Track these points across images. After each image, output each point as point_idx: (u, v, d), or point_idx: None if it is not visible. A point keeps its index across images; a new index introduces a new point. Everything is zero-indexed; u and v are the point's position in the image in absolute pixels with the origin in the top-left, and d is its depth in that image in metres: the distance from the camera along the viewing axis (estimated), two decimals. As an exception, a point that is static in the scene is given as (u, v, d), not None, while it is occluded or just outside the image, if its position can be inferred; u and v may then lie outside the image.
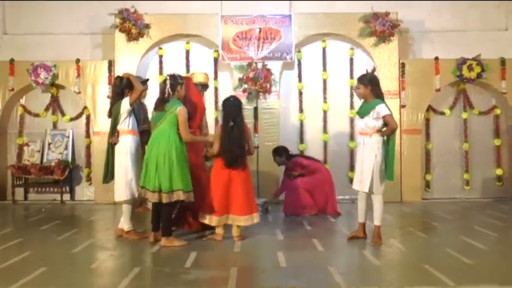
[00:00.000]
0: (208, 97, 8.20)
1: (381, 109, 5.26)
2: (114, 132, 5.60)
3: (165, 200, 5.10)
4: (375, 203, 5.37)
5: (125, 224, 5.70)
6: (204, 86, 6.23)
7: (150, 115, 5.93)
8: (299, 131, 8.77)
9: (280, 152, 7.48)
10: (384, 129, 5.34)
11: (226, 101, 5.55)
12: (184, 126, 5.19)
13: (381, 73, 8.37)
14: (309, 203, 7.20)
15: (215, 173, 5.51)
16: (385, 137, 5.32)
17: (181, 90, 5.33)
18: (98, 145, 8.31)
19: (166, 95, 5.23)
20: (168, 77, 5.30)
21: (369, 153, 5.27)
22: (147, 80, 6.11)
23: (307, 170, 7.31)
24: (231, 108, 5.48)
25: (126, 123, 5.56)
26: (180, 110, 5.18)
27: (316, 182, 7.28)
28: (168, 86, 5.23)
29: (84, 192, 8.86)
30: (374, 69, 5.75)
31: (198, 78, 6.17)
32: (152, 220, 5.46)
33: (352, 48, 8.81)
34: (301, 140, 8.73)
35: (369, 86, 5.35)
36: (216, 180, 5.48)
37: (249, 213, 5.49)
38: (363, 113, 5.37)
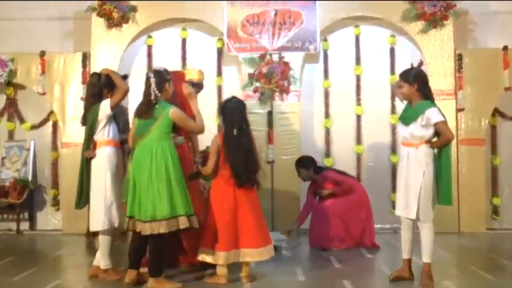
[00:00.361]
0: (210, 98, 8.24)
1: (431, 114, 5.26)
2: (89, 143, 5.64)
3: (163, 230, 5.08)
4: (424, 233, 5.35)
5: (101, 260, 5.70)
6: (197, 86, 6.23)
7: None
8: (324, 141, 8.79)
9: (306, 164, 7.43)
10: (435, 139, 5.35)
11: (228, 104, 5.59)
12: (189, 121, 5.30)
13: (431, 68, 8.34)
14: (341, 233, 7.18)
15: (217, 195, 5.51)
16: (435, 149, 5.34)
17: (170, 88, 5.35)
18: (68, 160, 8.33)
19: (152, 98, 5.22)
20: (151, 74, 5.29)
21: (415, 170, 5.27)
22: (126, 76, 6.11)
23: (340, 189, 7.27)
24: (235, 112, 5.52)
25: (105, 132, 5.61)
26: (174, 111, 5.21)
27: (351, 205, 7.26)
28: (153, 85, 5.22)
29: (49, 220, 8.90)
30: (421, 63, 5.71)
31: (190, 75, 6.22)
32: (130, 254, 5.40)
33: (393, 36, 8.81)
34: (328, 153, 8.75)
35: (415, 85, 5.35)
36: (220, 205, 5.47)
37: (264, 244, 5.49)
38: (407, 118, 5.38)
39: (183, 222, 5.09)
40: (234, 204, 5.43)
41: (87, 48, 8.63)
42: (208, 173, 5.53)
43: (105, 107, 5.53)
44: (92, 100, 5.67)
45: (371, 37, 8.85)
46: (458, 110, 8.43)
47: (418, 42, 8.52)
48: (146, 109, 5.22)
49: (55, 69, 8.65)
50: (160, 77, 5.26)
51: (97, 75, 5.75)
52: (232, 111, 5.51)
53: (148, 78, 5.26)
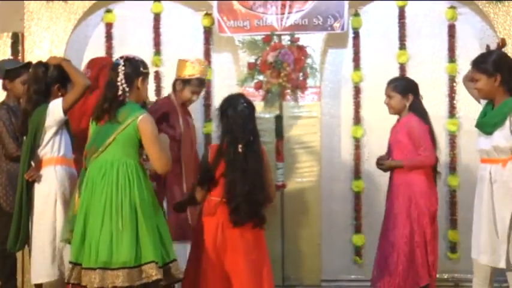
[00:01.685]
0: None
1: None
2: (30, 160, 5.49)
3: (120, 283, 4.79)
4: None
5: None
6: (202, 84, 6.58)
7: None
8: (353, 156, 8.07)
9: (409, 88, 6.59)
10: None
11: (231, 104, 5.30)
12: (156, 145, 4.97)
13: (509, 51, 7.31)
14: None
15: (200, 229, 5.30)
16: None
17: (142, 87, 5.08)
18: None
19: (119, 94, 4.92)
20: (121, 61, 5.02)
21: (502, 198, 5.04)
22: (27, 64, 5.96)
23: None
24: (241, 118, 5.24)
25: (54, 145, 5.48)
26: (144, 118, 4.90)
27: None
28: (121, 76, 4.94)
29: None
30: (504, 43, 5.47)
31: (192, 70, 6.49)
32: None
33: (453, 7, 7.92)
34: (357, 173, 8.06)
35: (497, 76, 5.06)
36: (202, 243, 5.25)
37: None
38: (489, 124, 5.14)
39: (150, 273, 4.82)
40: (220, 247, 5.25)
41: (19, 28, 7.90)
42: (198, 202, 5.44)
43: (55, 110, 5.40)
44: (35, 99, 5.54)
45: (422, 10, 8.06)
46: None
47: (490, 15, 7.65)
48: (108, 108, 4.95)
49: None
50: (133, 68, 5.04)
51: (43, 66, 5.65)
52: (236, 117, 5.25)
53: (116, 66, 5.01)
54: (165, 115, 6.39)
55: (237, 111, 5.31)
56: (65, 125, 5.57)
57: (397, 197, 6.13)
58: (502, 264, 5.07)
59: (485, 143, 5.17)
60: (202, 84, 6.66)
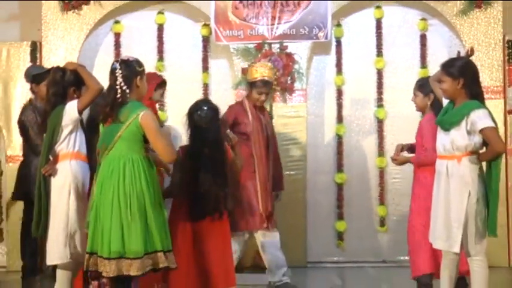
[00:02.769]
0: (194, 99, 7.67)
1: (478, 117, 5.05)
2: (49, 155, 5.51)
3: (135, 272, 4.86)
4: (474, 270, 5.18)
5: None
6: (265, 85, 6.72)
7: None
8: (336, 151, 8.43)
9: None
10: (483, 150, 5.18)
11: (197, 109, 5.47)
12: (160, 137, 5.00)
13: (472, 58, 7.65)
14: None
15: (173, 224, 5.36)
16: (483, 163, 5.21)
17: (142, 84, 5.11)
18: (14, 178, 7.67)
19: (118, 95, 4.95)
20: (117, 65, 5.04)
21: (459, 190, 5.08)
22: (50, 69, 5.77)
23: None
24: (205, 121, 5.41)
25: (70, 142, 5.50)
26: (145, 115, 4.94)
27: None
28: (119, 79, 4.98)
29: None
30: (472, 51, 5.62)
31: (256, 74, 6.68)
32: None
33: (424, 19, 8.39)
34: (339, 167, 8.40)
35: (461, 80, 5.12)
36: (175, 238, 5.32)
37: (225, 285, 5.48)
38: (448, 122, 5.20)
39: (159, 260, 4.94)
40: (189, 238, 5.43)
41: (37, 37, 8.32)
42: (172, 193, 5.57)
43: (71, 110, 5.43)
44: (54, 100, 5.58)
45: (396, 21, 8.52)
46: (508, 112, 8.13)
47: (457, 26, 8.13)
48: (110, 111, 5.02)
49: None
50: (129, 70, 5.06)
51: (61, 71, 5.66)
52: (201, 122, 5.43)
53: (113, 71, 5.04)
54: (235, 118, 6.60)
55: (201, 115, 5.45)
56: (80, 123, 5.64)
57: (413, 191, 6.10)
58: (456, 249, 5.17)
59: (444, 139, 5.26)
60: (266, 85, 6.73)
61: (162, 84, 6.85)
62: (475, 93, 5.17)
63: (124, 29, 8.56)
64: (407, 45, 8.46)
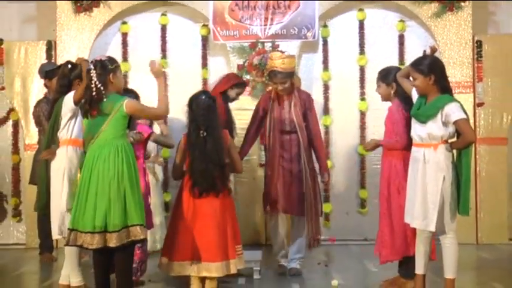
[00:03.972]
0: (191, 94, 7.84)
1: (451, 110, 5.20)
2: (51, 141, 5.69)
3: (114, 243, 5.02)
4: (447, 246, 5.37)
5: (71, 277, 5.62)
6: (277, 75, 6.57)
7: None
8: (323, 140, 8.26)
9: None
10: (454, 139, 5.33)
11: (195, 100, 5.76)
12: (148, 108, 5.36)
13: (446, 56, 8.25)
14: None
15: (177, 200, 5.83)
16: (454, 151, 5.34)
17: (116, 79, 5.24)
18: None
19: (95, 93, 5.12)
20: (91, 66, 5.17)
21: (434, 175, 5.25)
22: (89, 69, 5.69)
23: None
24: (202, 109, 5.69)
25: (68, 130, 5.63)
26: (128, 103, 5.15)
27: None
28: (94, 78, 5.13)
29: (10, 232, 8.76)
30: (435, 49, 5.77)
31: (272, 64, 6.60)
32: (97, 282, 5.22)
33: (402, 21, 8.69)
34: (326, 154, 8.32)
35: (432, 76, 5.29)
36: (177, 211, 5.79)
37: (222, 259, 5.65)
38: (424, 115, 5.31)
39: (137, 233, 5.07)
40: (192, 213, 5.67)
41: (52, 36, 8.54)
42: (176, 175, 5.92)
43: (68, 100, 5.56)
44: (60, 92, 5.74)
45: (377, 22, 8.79)
46: (477, 105, 8.37)
47: (431, 27, 8.43)
48: (90, 107, 5.17)
49: (15, 60, 8.54)
50: (103, 69, 5.17)
51: (70, 65, 5.80)
52: (198, 109, 5.68)
53: (88, 71, 5.18)
54: (263, 107, 6.68)
55: (199, 104, 5.70)
56: (79, 112, 5.62)
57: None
58: (432, 228, 5.26)
59: (421, 130, 5.31)
60: (277, 75, 6.56)
61: (239, 84, 7.01)
62: (444, 87, 5.33)
63: (131, 29, 8.76)
64: (387, 44, 8.71)
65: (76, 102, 5.51)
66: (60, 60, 7.90)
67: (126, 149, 5.15)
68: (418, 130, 5.35)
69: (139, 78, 8.33)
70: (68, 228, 5.15)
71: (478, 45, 8.43)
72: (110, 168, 5.06)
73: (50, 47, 8.51)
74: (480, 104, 8.39)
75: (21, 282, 6.69)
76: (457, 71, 8.31)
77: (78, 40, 8.45)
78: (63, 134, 5.62)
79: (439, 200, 5.22)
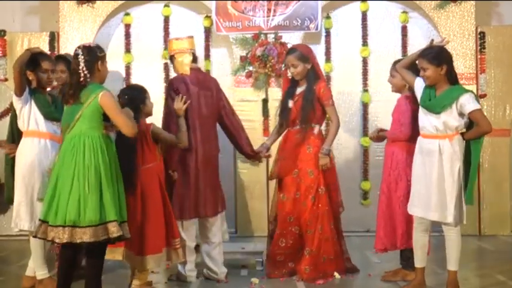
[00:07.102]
0: None
1: (467, 100, 5.22)
2: (15, 135, 5.88)
3: (88, 239, 4.87)
4: (452, 238, 5.40)
5: (36, 269, 5.60)
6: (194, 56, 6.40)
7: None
8: (325, 132, 8.33)
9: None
10: (464, 130, 5.38)
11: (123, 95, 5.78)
12: (119, 113, 5.07)
13: (448, 48, 7.67)
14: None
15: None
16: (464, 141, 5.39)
17: (103, 68, 5.15)
18: None
19: (81, 78, 5.01)
20: (79, 51, 5.06)
21: (451, 166, 5.26)
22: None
23: None
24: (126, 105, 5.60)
25: (24, 121, 5.68)
26: (104, 95, 5.00)
27: None
28: (82, 64, 5.01)
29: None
30: (447, 42, 5.81)
31: (182, 44, 6.38)
32: (61, 276, 5.08)
33: (405, 12, 8.68)
34: None
35: (444, 67, 5.31)
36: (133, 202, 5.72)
37: (150, 251, 5.56)
38: (437, 106, 5.30)
39: (112, 230, 4.91)
40: (140, 205, 5.52)
41: (55, 27, 8.53)
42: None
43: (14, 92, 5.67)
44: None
45: (380, 14, 8.77)
46: (480, 97, 8.22)
47: (434, 19, 8.42)
48: (73, 93, 5.03)
49: (18, 52, 8.15)
50: (91, 55, 5.07)
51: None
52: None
53: (76, 56, 5.05)
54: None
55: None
56: (31, 103, 5.64)
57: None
58: (450, 219, 5.25)
59: (436, 121, 5.29)
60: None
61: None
62: (453, 77, 5.36)
63: (133, 20, 8.75)
64: (389, 36, 8.70)
65: (17, 94, 5.53)
66: (63, 51, 7.92)
67: (101, 140, 5.04)
68: (432, 121, 5.33)
69: (142, 69, 8.39)
70: (39, 219, 5.04)
71: (481, 36, 8.41)
72: (84, 159, 4.96)
73: (53, 39, 8.50)
74: (483, 96, 8.35)
75: (25, 273, 6.48)
76: (460, 63, 8.26)
77: (81, 31, 8.44)
78: (20, 126, 5.66)
79: (457, 190, 5.24)
